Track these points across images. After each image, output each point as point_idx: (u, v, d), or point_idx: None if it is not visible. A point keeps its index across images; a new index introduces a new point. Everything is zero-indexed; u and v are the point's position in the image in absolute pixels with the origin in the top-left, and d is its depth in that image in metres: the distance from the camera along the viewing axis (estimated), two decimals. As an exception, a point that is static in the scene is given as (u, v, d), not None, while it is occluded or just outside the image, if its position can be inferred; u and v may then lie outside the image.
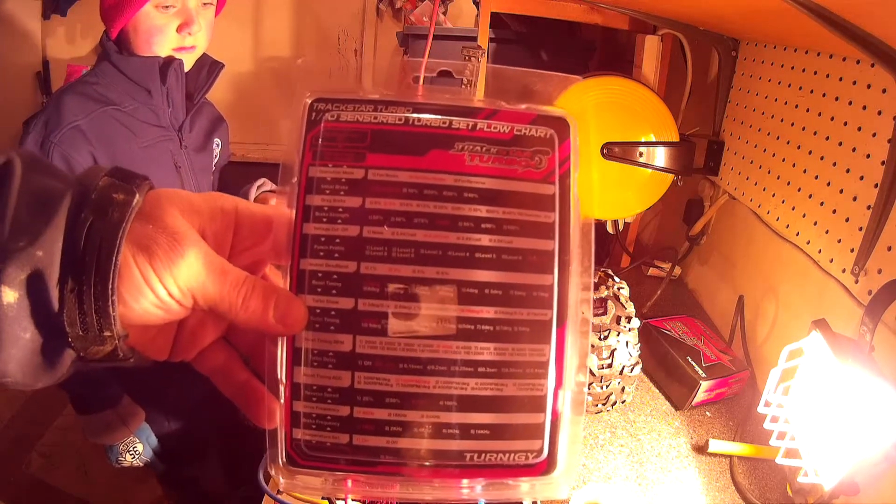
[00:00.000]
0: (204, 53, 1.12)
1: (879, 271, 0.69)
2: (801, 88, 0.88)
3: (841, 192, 0.77)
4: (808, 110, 0.86)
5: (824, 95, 0.82)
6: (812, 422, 0.67)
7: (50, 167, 0.29)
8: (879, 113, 0.71)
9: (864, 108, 0.73)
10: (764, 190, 0.97)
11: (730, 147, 1.10)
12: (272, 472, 0.31)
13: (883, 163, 0.68)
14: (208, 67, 1.13)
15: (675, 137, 1.09)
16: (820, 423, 0.65)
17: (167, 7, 1.00)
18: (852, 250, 0.74)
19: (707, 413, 0.92)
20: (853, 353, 0.60)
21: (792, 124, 0.90)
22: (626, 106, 1.07)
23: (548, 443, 0.31)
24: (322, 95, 0.32)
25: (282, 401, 0.31)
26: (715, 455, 0.83)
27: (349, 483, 0.31)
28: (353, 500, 0.33)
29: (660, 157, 1.09)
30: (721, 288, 1.15)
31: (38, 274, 0.26)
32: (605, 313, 0.85)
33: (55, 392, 1.56)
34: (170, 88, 1.06)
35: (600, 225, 1.23)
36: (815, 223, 0.83)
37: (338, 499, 0.55)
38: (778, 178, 0.93)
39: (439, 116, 0.32)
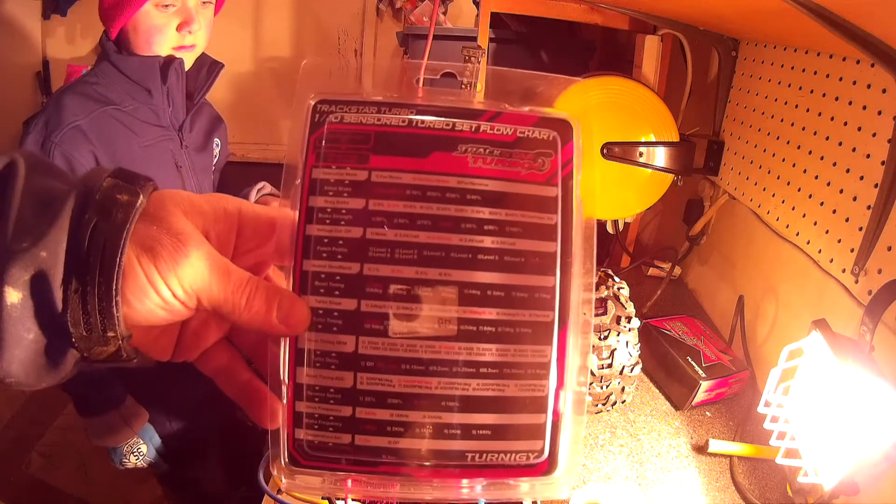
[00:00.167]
0: (203, 53, 1.12)
1: (879, 271, 0.70)
2: (801, 88, 0.88)
3: (841, 192, 0.77)
4: (808, 110, 0.86)
5: (824, 95, 0.82)
6: (812, 422, 0.67)
7: (53, 168, 0.30)
8: (879, 113, 0.71)
9: (864, 108, 0.73)
10: (764, 190, 0.97)
11: (730, 147, 1.10)
12: (274, 472, 0.31)
13: (883, 163, 0.68)
14: (208, 67, 1.13)
15: (675, 137, 1.09)
16: (820, 423, 0.65)
17: (167, 6, 1.00)
18: (852, 250, 0.74)
19: (707, 413, 0.92)
20: (853, 353, 0.60)
21: (792, 124, 0.90)
22: (626, 106, 1.07)
23: (549, 443, 0.31)
24: (325, 97, 0.32)
25: (284, 401, 0.31)
26: (715, 455, 0.83)
27: (349, 483, 0.31)
28: (353, 499, 0.34)
29: (660, 157, 1.09)
30: (721, 288, 1.15)
31: (42, 275, 0.26)
32: (605, 313, 0.85)
33: (55, 392, 1.56)
34: (170, 88, 1.06)
35: (600, 225, 1.23)
36: (815, 223, 0.83)
37: (338, 498, 0.55)
38: (778, 178, 0.93)
39: (442, 118, 0.33)
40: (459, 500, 0.32)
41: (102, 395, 1.13)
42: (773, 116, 0.95)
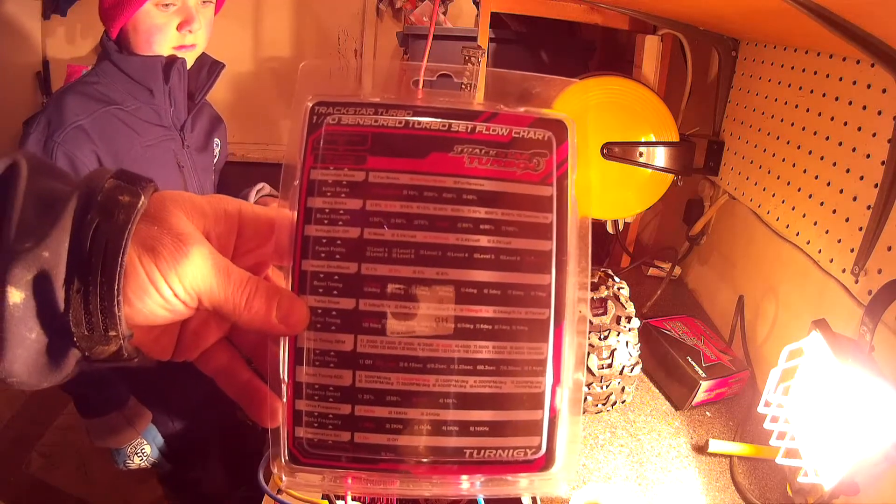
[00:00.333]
0: (204, 53, 1.12)
1: (879, 271, 0.70)
2: (801, 88, 0.88)
3: (841, 192, 0.77)
4: (808, 110, 0.86)
5: (824, 95, 0.82)
6: (812, 422, 0.67)
7: (56, 170, 0.30)
8: (879, 113, 0.71)
9: (864, 108, 0.73)
10: (764, 190, 0.97)
11: (730, 147, 1.10)
12: (274, 470, 0.31)
13: (883, 163, 0.68)
14: (209, 67, 1.13)
15: (675, 137, 1.09)
16: (820, 423, 0.65)
17: (167, 5, 1.00)
18: (852, 250, 0.74)
19: (707, 413, 0.92)
20: (853, 353, 0.60)
21: (792, 124, 0.90)
22: (626, 106, 1.07)
23: (546, 439, 0.32)
24: (323, 99, 0.33)
25: (284, 400, 0.31)
26: (715, 455, 0.83)
27: (349, 480, 0.32)
28: (352, 498, 0.34)
29: (660, 157, 1.09)
30: (721, 288, 1.15)
31: (45, 275, 0.26)
32: (605, 313, 0.85)
33: (55, 392, 1.56)
34: (172, 88, 1.06)
35: (600, 225, 1.24)
36: (815, 223, 0.83)
37: (338, 498, 0.55)
38: (778, 178, 0.93)
39: (439, 119, 0.33)
40: (459, 496, 0.32)
41: (105, 396, 1.13)
42: (773, 116, 0.95)
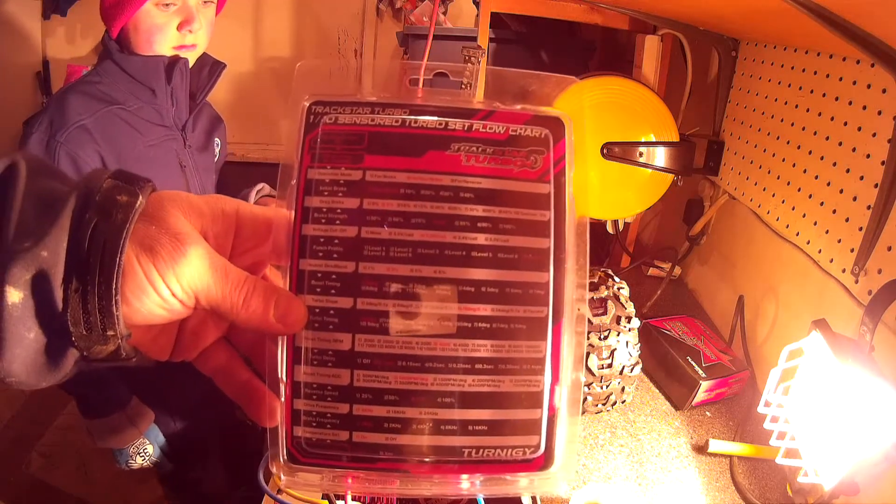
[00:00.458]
0: (205, 53, 1.12)
1: (879, 271, 0.70)
2: (801, 88, 0.88)
3: (841, 192, 0.77)
4: (808, 110, 0.86)
5: (824, 95, 0.82)
6: (812, 422, 0.67)
7: (54, 170, 0.30)
8: (879, 113, 0.71)
9: (864, 108, 0.73)
10: (764, 190, 0.97)
11: (730, 147, 1.10)
12: (273, 470, 0.31)
13: (883, 163, 0.68)
14: (210, 67, 1.13)
15: (675, 137, 1.09)
16: (820, 423, 0.65)
17: (167, 5, 1.00)
18: (852, 250, 0.74)
19: (707, 413, 0.92)
20: (853, 353, 0.60)
21: (792, 124, 0.90)
22: (626, 106, 1.07)
23: (545, 438, 0.32)
24: (320, 98, 0.33)
25: (282, 399, 0.31)
26: (715, 455, 0.83)
27: (349, 480, 0.32)
28: (352, 497, 0.34)
29: (660, 157, 1.09)
30: (721, 288, 1.15)
31: (43, 274, 0.26)
32: (605, 313, 0.85)
33: (55, 392, 1.56)
34: (174, 88, 1.06)
35: (600, 225, 1.23)
36: (815, 223, 0.83)
37: (338, 497, 0.55)
38: (778, 178, 0.93)
39: (435, 118, 0.33)
40: (458, 495, 0.32)
41: (107, 397, 1.13)
42: (773, 116, 0.95)
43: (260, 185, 1.17)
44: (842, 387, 0.61)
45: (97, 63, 1.07)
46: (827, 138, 0.81)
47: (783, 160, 0.91)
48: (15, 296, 0.25)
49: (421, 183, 0.32)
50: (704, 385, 0.88)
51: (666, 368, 0.95)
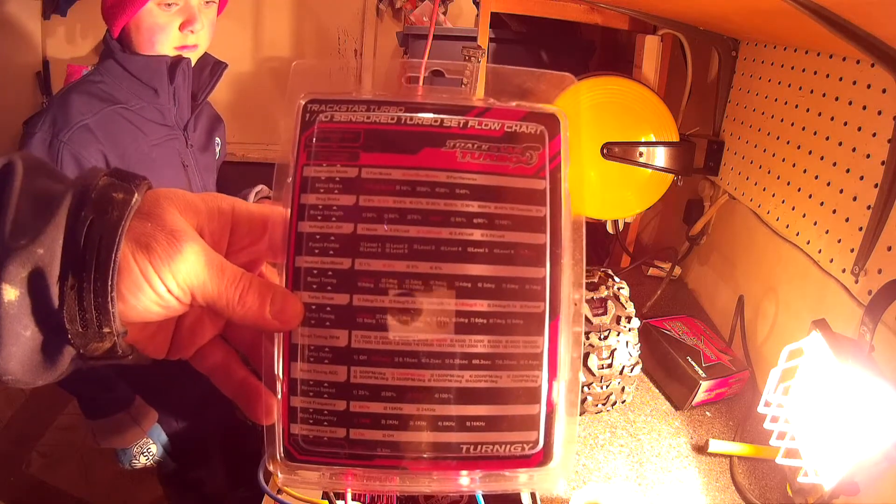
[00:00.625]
0: (206, 53, 1.12)
1: (879, 271, 0.69)
2: (801, 88, 0.88)
3: (841, 192, 0.77)
4: (808, 110, 0.86)
5: (824, 95, 0.82)
6: (812, 422, 0.67)
7: (51, 169, 0.30)
8: (879, 113, 0.71)
9: (864, 108, 0.73)
10: (764, 190, 0.97)
11: (730, 147, 1.10)
12: (270, 468, 0.31)
13: (883, 163, 0.68)
14: (211, 67, 1.13)
15: (675, 137, 1.09)
16: (820, 423, 0.65)
17: (169, 5, 1.00)
18: (852, 250, 0.74)
19: (707, 413, 0.92)
20: (853, 353, 0.60)
21: (792, 124, 0.90)
22: (626, 106, 1.07)
23: (543, 434, 0.32)
24: (316, 97, 0.33)
25: (279, 396, 0.31)
26: (715, 455, 0.83)
27: (349, 478, 0.32)
28: (352, 495, 0.34)
29: (660, 157, 1.09)
30: (721, 288, 1.15)
31: (39, 272, 0.26)
32: (605, 313, 0.85)
33: (55, 391, 1.56)
34: (177, 87, 1.06)
35: (600, 225, 1.23)
36: (815, 223, 0.83)
37: (338, 497, 0.55)
38: (778, 178, 0.93)
39: (431, 115, 0.33)
40: (457, 492, 0.32)
41: (111, 397, 1.13)
42: (773, 116, 0.95)
43: (259, 187, 1.17)
44: (842, 387, 0.61)
45: (98, 62, 1.07)
46: (827, 138, 0.81)
47: (783, 160, 0.91)
48: (11, 293, 0.26)
49: (417, 180, 0.32)
50: (704, 385, 0.88)
51: (666, 368, 0.95)
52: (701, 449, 0.84)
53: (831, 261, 0.79)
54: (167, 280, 0.28)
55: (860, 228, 0.72)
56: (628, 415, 0.90)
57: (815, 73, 0.84)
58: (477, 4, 1.25)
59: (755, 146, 1.00)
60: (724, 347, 0.97)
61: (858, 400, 0.59)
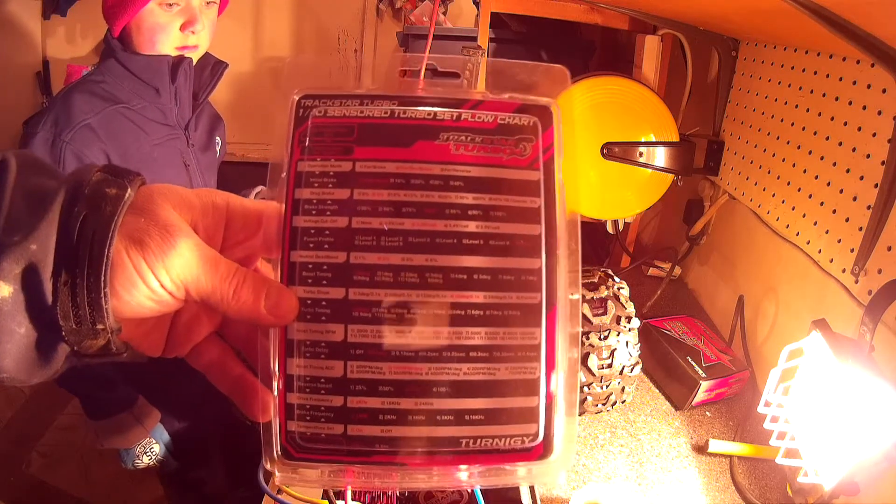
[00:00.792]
0: (207, 52, 1.12)
1: (879, 271, 0.69)
2: (801, 88, 0.88)
3: (841, 192, 0.77)
4: (808, 110, 0.86)
5: (824, 95, 0.82)
6: (812, 422, 0.67)
7: (45, 166, 0.30)
8: (879, 113, 0.71)
9: (864, 108, 0.73)
10: (764, 190, 0.97)
11: (730, 147, 1.10)
12: (267, 466, 0.31)
13: (883, 163, 0.68)
14: (212, 67, 1.14)
15: (675, 137, 1.09)
16: (820, 423, 0.65)
17: (171, 5, 1.00)
18: (852, 250, 0.74)
19: (707, 413, 0.92)
20: (853, 353, 0.60)
21: (792, 124, 0.90)
22: (626, 106, 1.07)
23: (543, 426, 0.31)
24: (309, 92, 0.33)
25: (275, 393, 0.31)
26: (715, 455, 0.83)
27: (349, 475, 0.31)
28: (352, 493, 0.33)
29: (660, 157, 1.09)
30: (721, 288, 1.15)
31: (33, 268, 0.26)
32: (605, 313, 0.84)
33: (56, 392, 1.56)
34: (178, 87, 1.06)
35: (600, 225, 1.23)
36: (815, 223, 0.83)
37: (338, 497, 0.55)
38: (778, 178, 0.93)
39: (424, 108, 0.33)
40: (457, 487, 0.32)
41: (114, 397, 1.13)
42: (773, 116, 0.95)
43: (259, 188, 1.17)
44: (842, 387, 0.61)
45: (99, 62, 1.07)
46: (827, 138, 0.81)
47: (783, 160, 0.91)
48: (5, 290, 0.25)
49: (411, 172, 0.32)
50: (704, 385, 0.88)
51: (666, 368, 0.95)
52: (701, 449, 0.83)
53: (831, 261, 0.79)
54: (161, 275, 0.28)
55: (860, 228, 0.72)
56: (628, 415, 0.90)
57: (815, 73, 0.84)
58: (477, 4, 1.25)
59: (755, 146, 1.00)
60: (724, 347, 0.97)
61: (858, 400, 0.59)
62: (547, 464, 0.31)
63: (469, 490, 0.57)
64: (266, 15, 2.11)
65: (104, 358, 0.29)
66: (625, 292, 0.88)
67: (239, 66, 2.10)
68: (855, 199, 0.74)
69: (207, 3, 1.05)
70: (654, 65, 1.14)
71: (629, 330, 0.84)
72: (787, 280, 0.92)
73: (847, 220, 0.76)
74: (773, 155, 0.94)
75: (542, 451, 0.31)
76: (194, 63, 1.09)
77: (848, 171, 0.76)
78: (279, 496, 0.56)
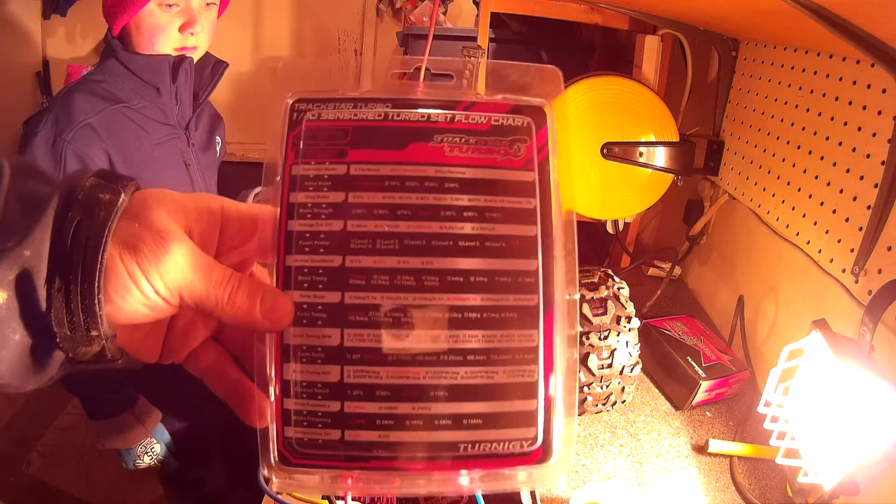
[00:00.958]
0: (207, 52, 1.12)
1: (879, 271, 0.69)
2: (801, 88, 0.88)
3: (841, 192, 0.77)
4: (808, 110, 0.86)
5: (824, 95, 0.82)
6: (812, 422, 0.67)
7: (39, 171, 0.30)
8: (879, 113, 0.70)
9: (864, 108, 0.73)
10: (764, 190, 0.97)
11: (730, 147, 1.10)
12: (264, 472, 0.31)
13: (883, 163, 0.68)
14: (212, 67, 1.13)
15: (675, 137, 1.09)
16: (820, 423, 0.65)
17: (170, 6, 0.99)
18: (852, 250, 0.74)
19: (707, 413, 0.92)
20: (853, 353, 0.60)
21: (792, 124, 0.89)
22: (626, 106, 1.07)
23: (542, 430, 0.31)
24: (302, 95, 0.33)
25: (272, 398, 0.31)
26: (715, 455, 0.83)
27: (349, 481, 0.31)
28: (353, 498, 0.33)
29: (660, 157, 1.09)
30: (721, 288, 1.15)
31: (27, 274, 0.26)
32: (605, 313, 0.84)
33: (55, 392, 1.56)
34: (179, 87, 1.06)
35: (600, 225, 1.23)
36: (815, 223, 0.83)
37: (338, 498, 0.55)
38: (778, 178, 0.93)
39: (418, 110, 0.33)
40: (456, 492, 0.32)
41: (115, 397, 1.13)
42: (773, 116, 0.95)
43: (258, 189, 1.17)
44: (842, 387, 0.61)
45: (100, 62, 1.07)
46: (827, 138, 0.81)
47: (783, 160, 0.91)
48: None
49: (405, 175, 0.32)
50: (704, 385, 0.88)
51: (666, 368, 0.95)
52: (701, 449, 0.83)
53: (831, 261, 0.78)
54: (154, 281, 0.28)
55: (860, 228, 0.72)
56: (628, 415, 0.90)
57: (815, 73, 0.84)
58: (477, 4, 1.25)
59: (755, 146, 1.00)
60: (724, 347, 0.97)
61: (858, 400, 0.59)
62: (546, 467, 0.31)
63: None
64: (266, 15, 2.11)
65: (99, 364, 0.29)
66: (625, 292, 0.88)
67: (239, 66, 2.10)
68: (855, 199, 0.74)
69: (207, 4, 1.05)
70: (654, 65, 1.14)
71: (629, 330, 0.84)
72: (787, 280, 0.92)
73: (847, 220, 0.76)
74: (773, 155, 0.94)
75: (541, 454, 0.31)
76: (195, 63, 1.09)
77: (848, 171, 0.76)
78: (279, 496, 0.56)
